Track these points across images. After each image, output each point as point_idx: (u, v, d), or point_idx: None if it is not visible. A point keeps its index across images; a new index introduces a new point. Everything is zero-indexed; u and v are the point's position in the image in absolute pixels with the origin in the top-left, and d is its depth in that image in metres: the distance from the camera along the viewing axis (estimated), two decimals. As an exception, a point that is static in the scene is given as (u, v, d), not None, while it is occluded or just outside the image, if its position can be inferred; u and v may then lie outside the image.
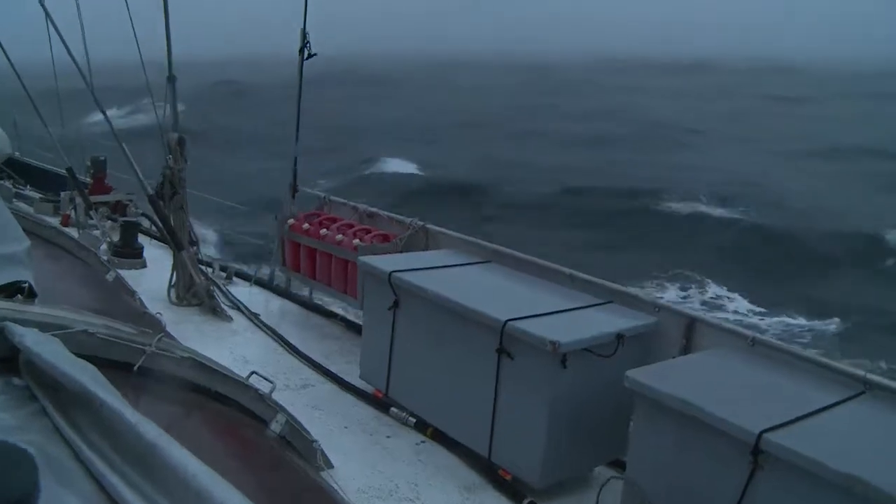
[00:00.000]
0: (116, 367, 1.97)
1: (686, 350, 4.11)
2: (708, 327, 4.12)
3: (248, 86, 66.49)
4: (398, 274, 4.54)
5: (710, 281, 21.17)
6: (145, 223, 7.88)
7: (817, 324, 18.42)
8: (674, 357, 4.01)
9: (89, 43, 6.21)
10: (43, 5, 5.48)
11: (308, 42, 6.50)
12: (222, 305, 6.17)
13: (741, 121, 51.54)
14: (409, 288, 4.46)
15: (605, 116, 51.79)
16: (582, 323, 3.99)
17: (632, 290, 4.65)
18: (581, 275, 4.79)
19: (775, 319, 18.81)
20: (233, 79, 72.41)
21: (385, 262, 4.80)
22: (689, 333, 4.13)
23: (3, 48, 5.25)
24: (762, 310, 19.40)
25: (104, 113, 5.70)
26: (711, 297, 20.36)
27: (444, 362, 4.31)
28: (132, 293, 3.88)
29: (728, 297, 20.33)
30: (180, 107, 6.11)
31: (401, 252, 5.66)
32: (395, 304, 4.59)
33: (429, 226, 5.94)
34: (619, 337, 3.83)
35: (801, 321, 18.69)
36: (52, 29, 5.63)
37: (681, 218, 27.68)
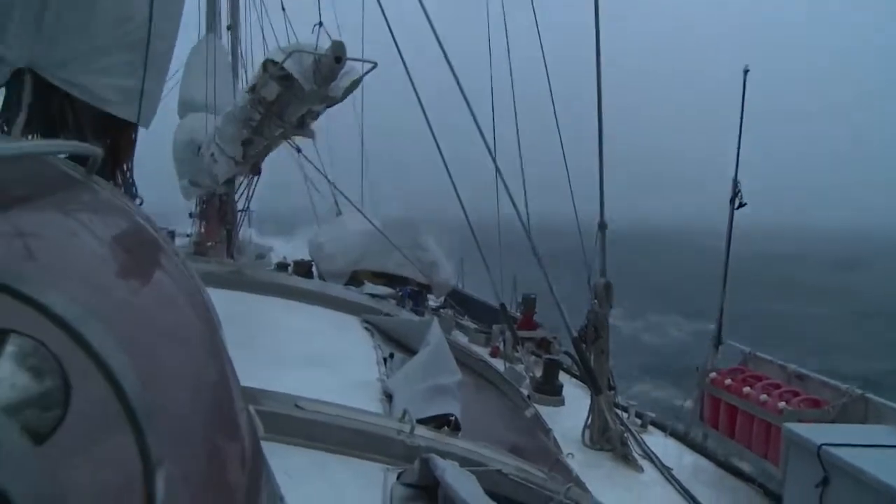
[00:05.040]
0: None
1: None
2: None
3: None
4: (830, 448, 4.09)
5: None
6: (566, 361, 8.20)
7: None
8: None
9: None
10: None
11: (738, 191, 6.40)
12: (635, 454, 6.06)
13: None
14: (844, 466, 3.98)
15: None
16: None
17: None
18: None
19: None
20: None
21: (814, 433, 4.38)
22: None
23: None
24: None
25: (540, 262, 6.13)
26: None
27: None
28: (547, 431, 4.05)
29: None
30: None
31: (833, 422, 5.12)
32: (824, 482, 4.10)
33: (869, 395, 5.29)
34: None
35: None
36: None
37: None
